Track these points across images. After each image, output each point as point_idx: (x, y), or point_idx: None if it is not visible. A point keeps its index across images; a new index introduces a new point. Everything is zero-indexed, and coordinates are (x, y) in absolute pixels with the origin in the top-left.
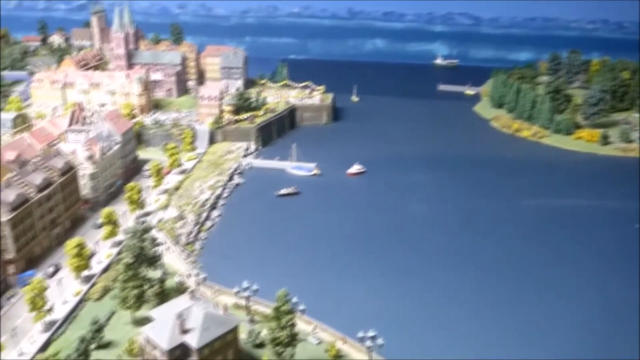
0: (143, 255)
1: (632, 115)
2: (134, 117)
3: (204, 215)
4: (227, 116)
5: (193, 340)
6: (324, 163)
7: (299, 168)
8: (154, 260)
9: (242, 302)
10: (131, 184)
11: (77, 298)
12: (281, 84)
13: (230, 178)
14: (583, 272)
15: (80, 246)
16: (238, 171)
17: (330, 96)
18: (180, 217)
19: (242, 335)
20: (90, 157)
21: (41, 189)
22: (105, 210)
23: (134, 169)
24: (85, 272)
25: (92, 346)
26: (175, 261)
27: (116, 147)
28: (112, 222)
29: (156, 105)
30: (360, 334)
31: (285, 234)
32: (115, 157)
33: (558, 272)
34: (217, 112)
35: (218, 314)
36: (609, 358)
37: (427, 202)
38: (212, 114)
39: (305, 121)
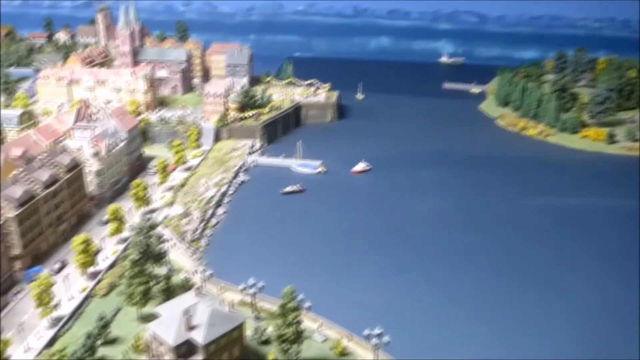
0: (149, 252)
1: (639, 114)
2: (139, 114)
3: (210, 212)
4: (233, 114)
5: (199, 337)
6: (329, 161)
7: (304, 166)
8: (160, 257)
9: (248, 299)
10: (137, 181)
11: (83, 294)
12: (286, 81)
13: (236, 175)
14: (583, 272)
15: (87, 243)
16: (243, 169)
17: (335, 94)
18: (186, 214)
19: (248, 332)
20: (96, 154)
21: (47, 185)
22: (111, 207)
23: (140, 165)
24: (91, 269)
25: (99, 342)
26: (180, 258)
27: (122, 144)
28: (118, 218)
29: (161, 103)
30: (367, 332)
31: (291, 232)
32: (121, 154)
33: (558, 271)
34: (223, 110)
35: (224, 311)
36: (609, 358)
37: (432, 200)
38: (217, 111)
39: (310, 119)
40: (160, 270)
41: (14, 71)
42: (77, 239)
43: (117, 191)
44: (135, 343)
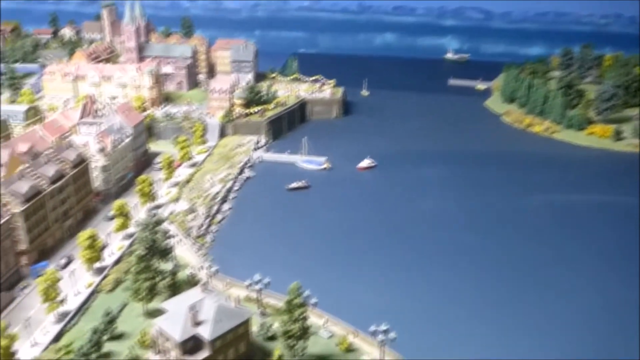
0: (155, 248)
1: None
2: (145, 110)
3: (215, 208)
4: (238, 109)
5: (205, 332)
6: (335, 157)
7: (309, 162)
8: (165, 253)
9: (254, 295)
10: (142, 177)
11: (90, 290)
12: (291, 77)
13: (241, 171)
14: (583, 272)
15: (93, 238)
16: (249, 164)
17: (340, 90)
18: (191, 210)
19: (254, 328)
20: (102, 150)
21: (54, 180)
22: (117, 203)
23: (145, 161)
24: (97, 264)
25: (105, 337)
26: (186, 254)
27: (127, 139)
28: (123, 214)
29: (167, 98)
30: (373, 328)
31: (296, 228)
32: (127, 149)
33: (559, 271)
34: (228, 106)
35: (230, 307)
36: (609, 358)
37: (437, 197)
38: (222, 107)
39: (315, 115)
40: (166, 266)
41: (20, 67)
42: (83, 235)
43: (123, 187)
44: (141, 338)
